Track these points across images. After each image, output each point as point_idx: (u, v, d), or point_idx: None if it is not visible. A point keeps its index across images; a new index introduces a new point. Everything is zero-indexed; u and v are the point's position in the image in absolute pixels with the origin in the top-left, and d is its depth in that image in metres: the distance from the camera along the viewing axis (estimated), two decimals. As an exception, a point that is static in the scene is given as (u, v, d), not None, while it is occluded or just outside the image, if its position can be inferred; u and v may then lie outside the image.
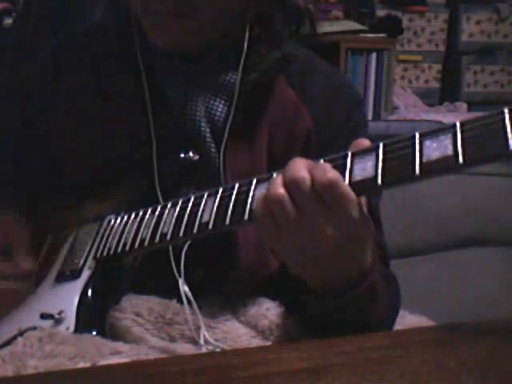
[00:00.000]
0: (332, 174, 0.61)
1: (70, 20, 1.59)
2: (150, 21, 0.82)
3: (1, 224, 0.89)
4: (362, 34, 2.90)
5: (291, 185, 0.62)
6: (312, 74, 0.90)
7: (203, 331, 0.76)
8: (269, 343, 0.77)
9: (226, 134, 0.84)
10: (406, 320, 0.94)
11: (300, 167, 0.63)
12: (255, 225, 0.66)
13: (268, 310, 0.80)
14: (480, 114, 0.57)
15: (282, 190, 0.62)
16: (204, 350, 0.75)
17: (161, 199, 0.81)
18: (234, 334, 0.77)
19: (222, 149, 0.83)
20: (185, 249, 0.80)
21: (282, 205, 0.62)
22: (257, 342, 0.77)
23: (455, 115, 2.80)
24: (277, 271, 0.82)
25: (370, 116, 2.84)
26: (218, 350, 0.75)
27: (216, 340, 0.76)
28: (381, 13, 3.29)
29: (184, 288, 0.78)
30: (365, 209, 0.64)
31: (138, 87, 0.85)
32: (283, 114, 0.87)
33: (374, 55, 2.90)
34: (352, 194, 0.61)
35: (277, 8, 0.88)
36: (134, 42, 0.87)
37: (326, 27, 2.74)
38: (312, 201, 0.62)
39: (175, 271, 0.79)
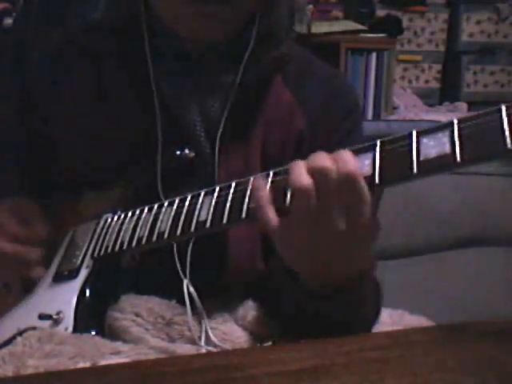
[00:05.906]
0: (353, 163, 0.60)
1: (70, 20, 1.59)
2: (186, 9, 0.80)
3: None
4: (362, 34, 2.89)
5: (318, 174, 0.60)
6: (309, 75, 0.90)
7: (208, 331, 0.76)
8: (268, 344, 0.77)
9: (219, 133, 0.83)
10: (406, 320, 0.93)
11: (325, 156, 0.61)
12: (254, 223, 0.65)
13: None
14: (480, 113, 0.57)
15: (309, 180, 0.60)
16: (204, 350, 0.75)
17: (162, 197, 0.81)
18: (234, 335, 0.77)
19: (217, 147, 0.83)
20: (189, 250, 0.80)
21: (308, 195, 0.60)
22: (256, 343, 0.77)
23: (455, 115, 2.79)
24: (264, 272, 0.82)
25: (370, 116, 2.84)
26: (217, 350, 0.75)
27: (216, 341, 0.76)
28: (381, 13, 3.28)
29: (190, 289, 0.78)
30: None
31: (142, 86, 0.85)
32: (278, 115, 0.86)
33: (373, 55, 2.90)
34: (368, 192, 0.60)
35: (275, 7, 0.87)
36: (139, 40, 0.86)
37: (325, 27, 2.74)
38: (335, 192, 0.60)
39: (180, 272, 0.79)
